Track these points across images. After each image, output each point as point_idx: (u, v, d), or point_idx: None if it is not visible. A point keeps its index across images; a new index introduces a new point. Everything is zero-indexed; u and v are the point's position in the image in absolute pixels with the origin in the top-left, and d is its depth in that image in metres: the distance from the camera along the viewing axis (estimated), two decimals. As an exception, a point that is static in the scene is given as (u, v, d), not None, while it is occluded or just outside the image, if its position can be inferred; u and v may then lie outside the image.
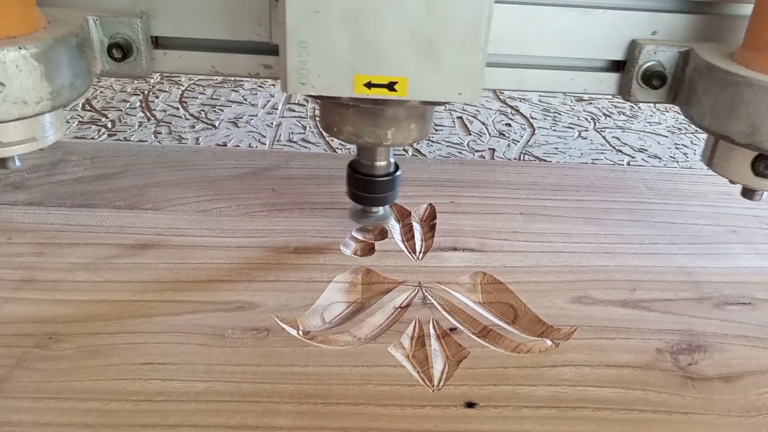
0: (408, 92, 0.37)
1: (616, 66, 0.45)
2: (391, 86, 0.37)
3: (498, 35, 0.42)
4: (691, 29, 0.44)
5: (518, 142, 0.76)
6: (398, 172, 0.46)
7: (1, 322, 0.39)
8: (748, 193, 0.43)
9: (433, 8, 0.34)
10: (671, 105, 0.46)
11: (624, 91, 0.45)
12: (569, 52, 0.44)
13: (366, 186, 0.45)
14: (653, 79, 0.43)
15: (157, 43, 0.44)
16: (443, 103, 0.41)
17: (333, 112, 0.41)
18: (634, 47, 0.44)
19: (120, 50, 0.42)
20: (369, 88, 0.37)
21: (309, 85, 0.37)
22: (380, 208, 0.48)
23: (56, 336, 0.38)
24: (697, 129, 0.82)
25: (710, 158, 0.43)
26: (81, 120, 0.75)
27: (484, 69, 0.37)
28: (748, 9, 0.41)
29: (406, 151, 0.73)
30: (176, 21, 0.43)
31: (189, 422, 0.34)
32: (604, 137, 0.79)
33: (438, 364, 0.38)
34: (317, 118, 0.75)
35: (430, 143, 0.74)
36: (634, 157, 0.74)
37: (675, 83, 0.44)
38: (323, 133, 0.43)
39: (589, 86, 0.46)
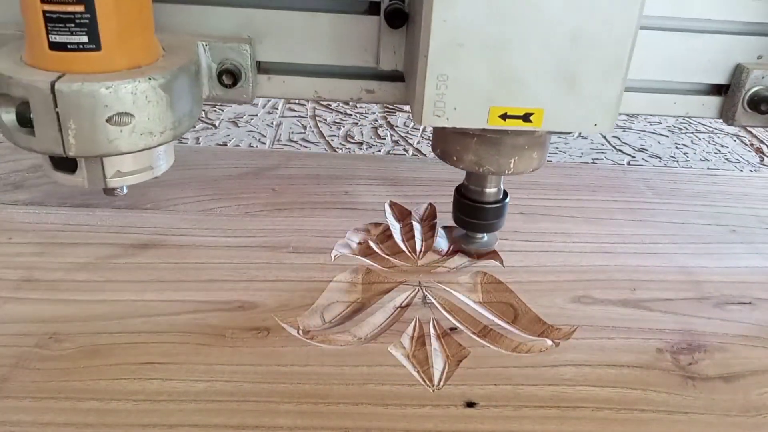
0: (543, 123, 0.36)
1: (718, 90, 0.45)
2: (526, 117, 0.36)
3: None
4: None
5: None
6: (507, 199, 0.46)
7: (1, 322, 0.39)
8: None
9: (577, 38, 0.34)
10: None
11: (727, 116, 0.45)
12: (672, 76, 0.44)
13: (474, 212, 0.45)
14: (762, 104, 0.43)
15: (260, 68, 0.43)
16: (570, 133, 0.41)
17: (454, 140, 0.41)
18: (740, 72, 0.43)
19: (230, 76, 0.41)
20: (504, 119, 0.36)
21: (444, 117, 0.36)
22: (485, 234, 0.48)
23: (56, 336, 0.38)
24: (697, 129, 0.83)
25: None
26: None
27: (621, 99, 0.36)
28: None
29: (406, 150, 0.73)
30: (282, 46, 0.43)
31: (189, 422, 0.34)
32: (604, 137, 0.79)
33: (438, 364, 0.38)
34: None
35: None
36: (634, 157, 0.74)
37: None
38: (437, 158, 0.43)
39: (691, 110, 0.46)
